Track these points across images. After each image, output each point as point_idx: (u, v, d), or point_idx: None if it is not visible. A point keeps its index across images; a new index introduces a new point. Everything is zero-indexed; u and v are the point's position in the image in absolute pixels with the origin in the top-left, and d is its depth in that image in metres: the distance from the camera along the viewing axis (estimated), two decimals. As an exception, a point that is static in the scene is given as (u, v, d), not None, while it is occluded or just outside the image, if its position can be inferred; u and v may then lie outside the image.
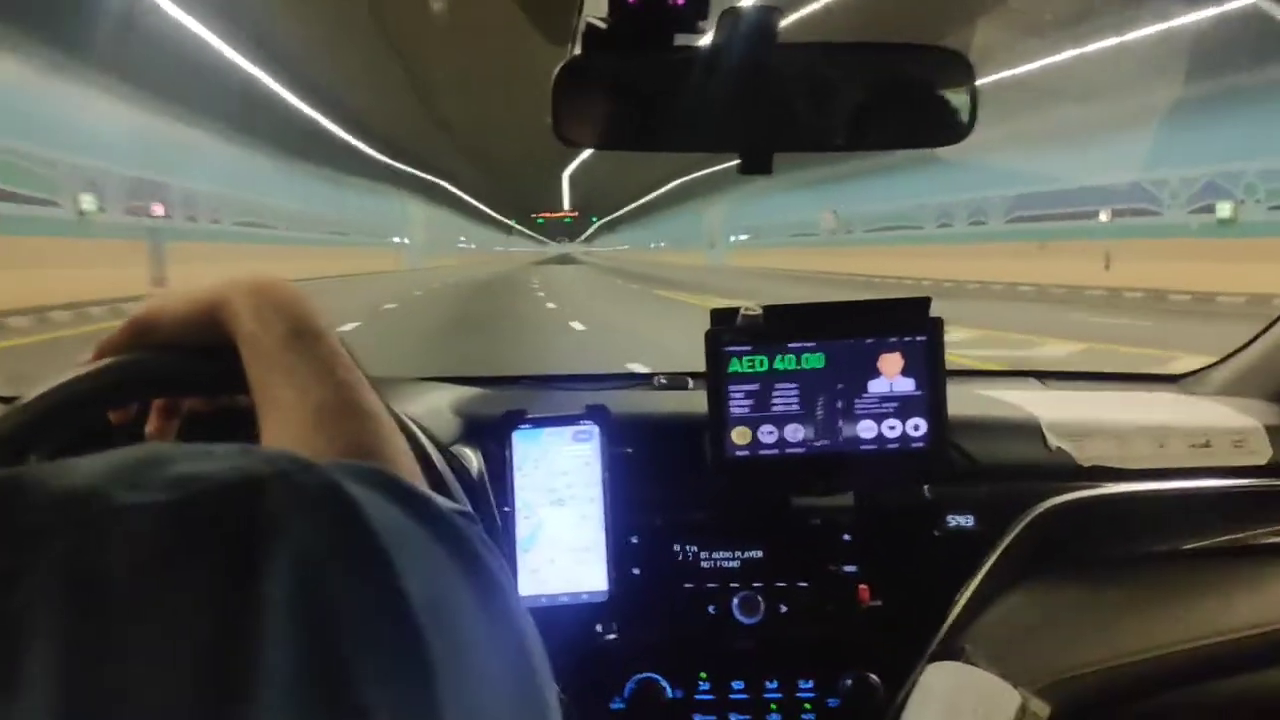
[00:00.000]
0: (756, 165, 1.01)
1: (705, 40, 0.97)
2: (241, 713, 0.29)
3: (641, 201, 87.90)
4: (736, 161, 1.00)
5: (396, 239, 60.38)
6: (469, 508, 0.75)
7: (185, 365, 0.63)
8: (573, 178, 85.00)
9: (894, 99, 1.03)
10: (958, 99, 1.00)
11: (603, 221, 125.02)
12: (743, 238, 59.42)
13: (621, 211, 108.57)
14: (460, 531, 0.41)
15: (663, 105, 1.00)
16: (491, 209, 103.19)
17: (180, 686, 0.29)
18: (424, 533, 0.38)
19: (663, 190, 71.96)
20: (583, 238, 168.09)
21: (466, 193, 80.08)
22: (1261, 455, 1.42)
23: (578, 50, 0.98)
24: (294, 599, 0.31)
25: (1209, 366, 1.70)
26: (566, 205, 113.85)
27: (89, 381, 0.62)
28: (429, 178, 62.48)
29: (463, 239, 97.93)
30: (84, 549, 0.30)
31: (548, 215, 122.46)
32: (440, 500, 0.43)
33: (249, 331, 0.58)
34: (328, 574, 0.32)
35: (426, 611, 0.34)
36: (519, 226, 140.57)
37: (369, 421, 0.56)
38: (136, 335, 0.63)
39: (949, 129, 1.01)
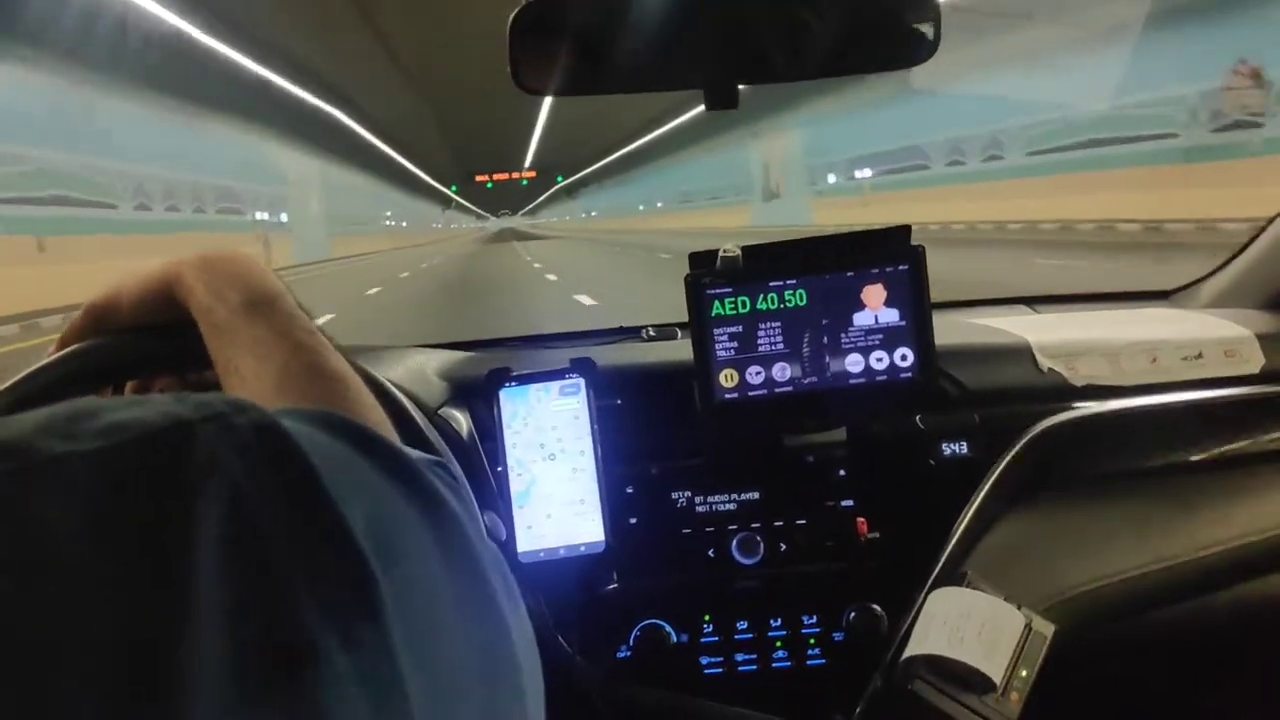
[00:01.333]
0: (722, 100, 0.99)
1: None
2: (179, 650, 0.28)
3: (628, 150, 60.72)
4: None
5: (263, 215, 33.72)
6: (448, 460, 0.75)
7: (143, 346, 0.62)
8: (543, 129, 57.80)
9: (856, 23, 1.01)
10: (921, 19, 0.99)
11: (570, 180, 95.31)
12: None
13: (597, 166, 79.06)
14: (415, 470, 0.40)
15: (623, 45, 0.99)
16: (427, 173, 78.66)
17: (113, 629, 0.28)
18: (370, 465, 0.38)
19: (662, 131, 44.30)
20: (528, 208, 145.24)
21: (395, 149, 55.32)
22: (1254, 364, 1.41)
23: None
24: (227, 535, 0.30)
25: (1198, 280, 1.69)
26: (529, 162, 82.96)
27: (49, 373, 0.61)
28: (334, 114, 35.68)
29: (389, 215, 74.48)
30: (13, 499, 0.30)
31: (499, 178, 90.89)
32: (399, 446, 0.42)
33: (204, 305, 0.58)
34: (261, 507, 0.31)
35: (372, 541, 0.33)
36: (458, 198, 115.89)
37: (335, 383, 0.56)
38: (96, 321, 0.62)
39: (913, 50, 0.99)
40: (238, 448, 0.32)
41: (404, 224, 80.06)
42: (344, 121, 38.31)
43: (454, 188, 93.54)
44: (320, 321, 0.60)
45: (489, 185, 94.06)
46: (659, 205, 67.86)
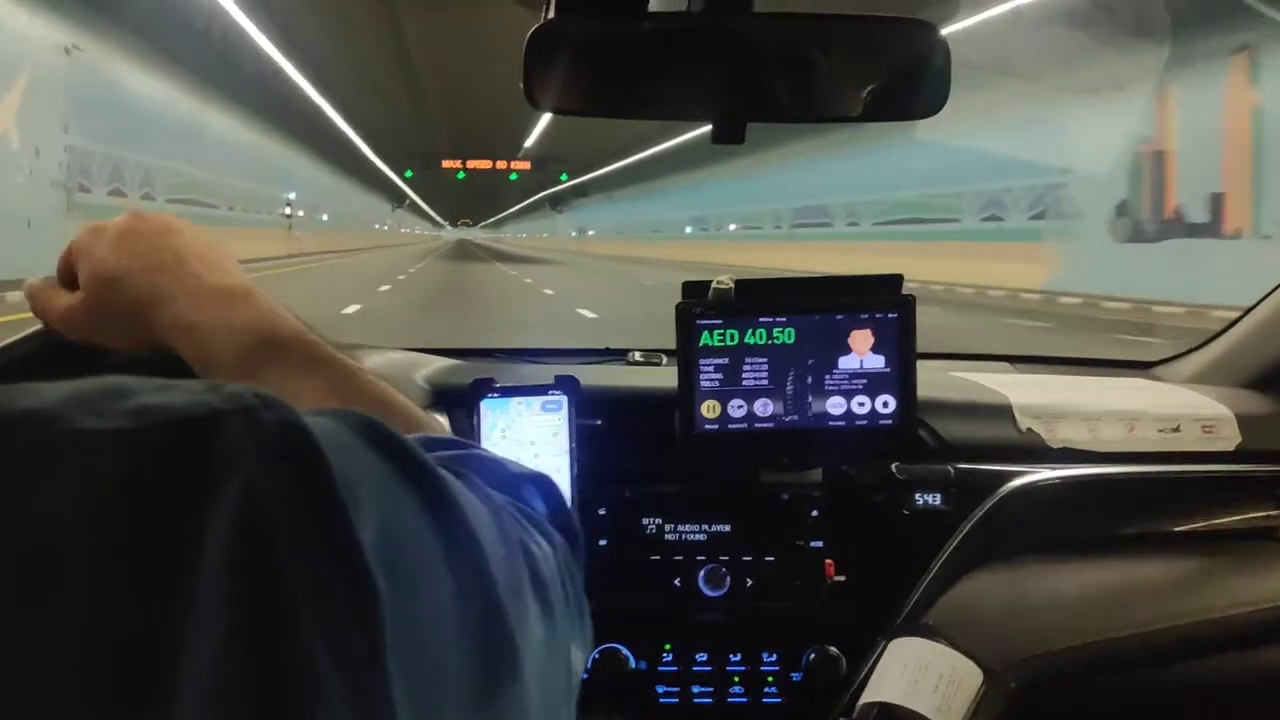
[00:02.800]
0: (729, 134, 1.00)
1: (680, 6, 0.96)
2: (174, 636, 0.28)
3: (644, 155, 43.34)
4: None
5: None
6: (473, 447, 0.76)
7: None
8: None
9: (868, 71, 1.02)
10: (931, 73, 1.00)
11: (577, 181, 62.06)
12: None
13: (607, 169, 53.76)
14: (428, 469, 0.39)
15: (635, 71, 1.00)
16: (374, 149, 50.89)
17: (115, 608, 0.29)
18: (390, 470, 0.37)
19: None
20: (491, 220, 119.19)
21: (326, 96, 32.24)
22: (1230, 442, 1.42)
23: (551, 14, 0.97)
24: (236, 533, 0.30)
25: (1180, 355, 1.70)
26: (526, 149, 51.27)
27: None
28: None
29: (292, 199, 40.69)
30: (36, 469, 0.30)
31: (477, 165, 56.33)
32: (424, 454, 0.40)
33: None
34: (276, 514, 0.31)
35: (380, 553, 0.33)
36: (411, 192, 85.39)
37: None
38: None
39: (922, 102, 1.00)
40: (260, 445, 0.32)
41: (323, 216, 50.33)
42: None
43: (408, 174, 60.95)
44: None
45: (460, 175, 56.74)
46: (731, 228, 42.53)
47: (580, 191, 69.06)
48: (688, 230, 50.48)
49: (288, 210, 39.22)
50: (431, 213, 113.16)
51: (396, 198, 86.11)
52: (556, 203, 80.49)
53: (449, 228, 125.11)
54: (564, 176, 59.72)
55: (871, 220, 26.32)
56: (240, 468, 0.31)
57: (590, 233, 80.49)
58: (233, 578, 0.30)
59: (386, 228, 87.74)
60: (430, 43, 25.95)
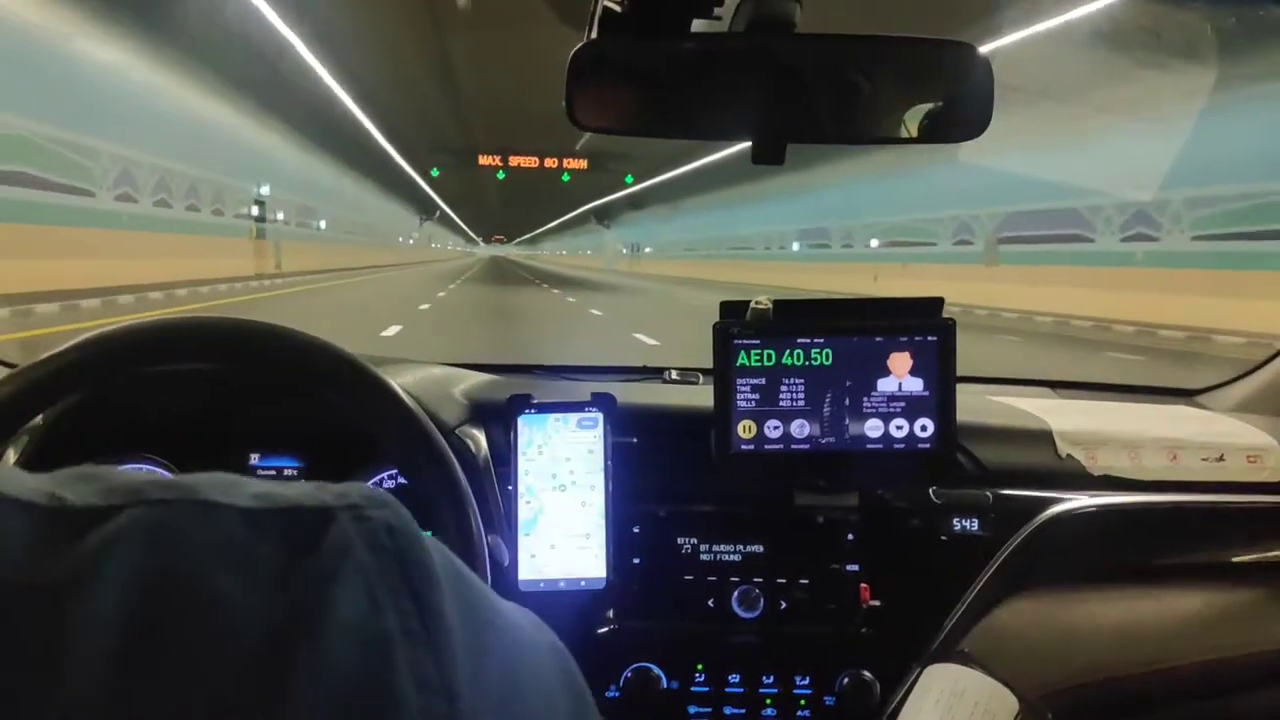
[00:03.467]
0: (769, 155, 1.00)
1: (722, 27, 0.97)
2: (280, 710, 0.30)
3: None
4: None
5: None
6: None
7: None
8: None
9: (910, 93, 1.02)
10: (974, 95, 0.99)
11: (632, 190, 51.71)
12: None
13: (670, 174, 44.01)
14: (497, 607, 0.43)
15: (677, 92, 1.00)
16: (395, 145, 41.43)
17: (224, 678, 0.30)
18: (462, 566, 0.41)
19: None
20: (527, 236, 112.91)
21: (343, 86, 24.56)
22: (1275, 472, 1.40)
23: (594, 34, 0.98)
24: (354, 624, 0.33)
25: (1224, 383, 1.68)
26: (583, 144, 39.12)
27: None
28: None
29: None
30: (170, 523, 0.33)
31: (521, 163, 44.16)
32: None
33: None
34: (388, 605, 0.34)
35: (465, 654, 0.36)
36: (442, 204, 73.03)
37: None
38: None
39: (964, 125, 1.00)
40: (370, 543, 0.35)
41: (319, 224, 38.18)
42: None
43: (434, 172, 48.80)
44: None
45: (499, 174, 46.56)
46: (872, 244, 29.34)
47: (635, 203, 60.03)
48: (795, 247, 38.37)
49: (256, 209, 27.05)
50: (463, 225, 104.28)
51: (425, 209, 74.52)
52: (603, 216, 71.68)
53: (482, 245, 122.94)
54: (629, 179, 47.86)
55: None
56: (355, 560, 0.34)
57: (646, 249, 68.15)
58: (346, 665, 0.32)
59: (412, 241, 78.78)
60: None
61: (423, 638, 0.34)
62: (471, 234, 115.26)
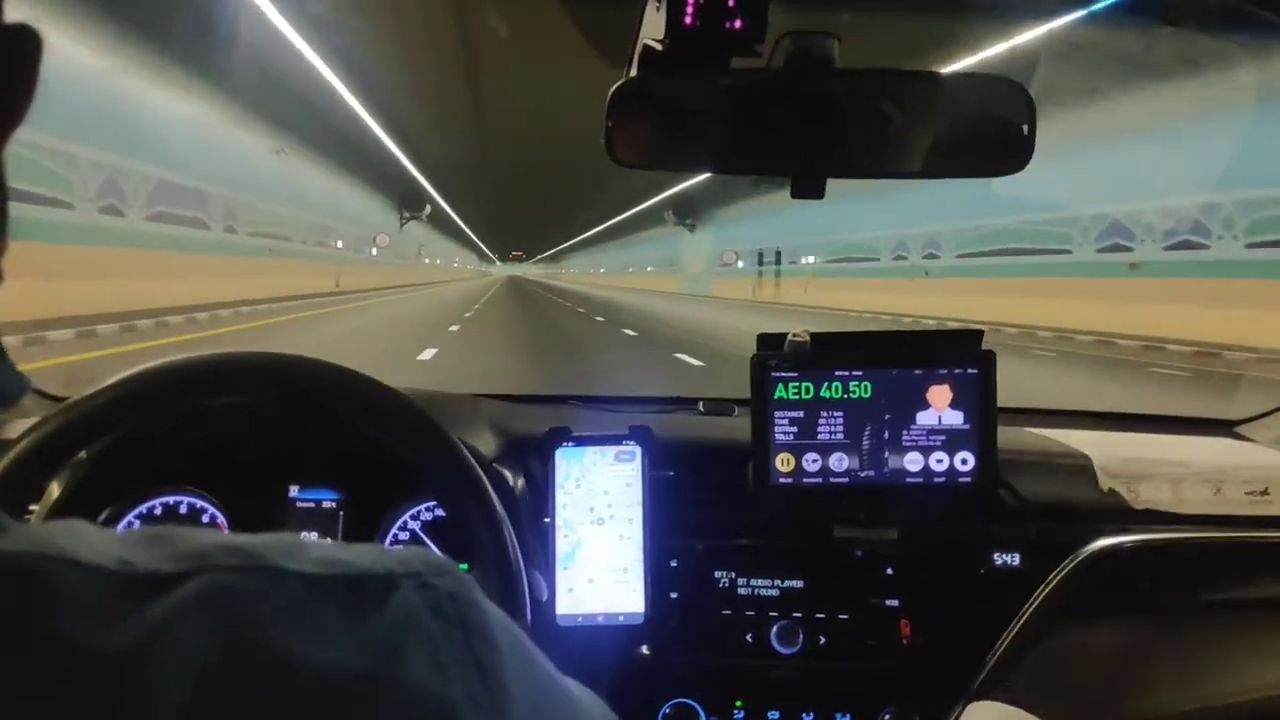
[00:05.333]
0: (808, 189, 1.01)
1: (761, 63, 0.97)
2: None
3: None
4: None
5: None
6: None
7: None
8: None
9: (950, 129, 1.02)
10: (1016, 130, 0.99)
11: None
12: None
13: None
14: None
15: (717, 128, 1.01)
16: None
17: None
18: (521, 633, 0.41)
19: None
20: (550, 252, 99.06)
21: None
22: None
23: (634, 72, 0.98)
24: (422, 692, 0.33)
25: (1267, 413, 1.65)
26: None
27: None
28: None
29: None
30: (239, 589, 0.34)
31: None
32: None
33: None
34: (454, 673, 0.35)
35: (523, 707, 0.37)
36: (436, 195, 48.22)
37: None
38: None
39: (1005, 161, 1.00)
40: (434, 610, 0.36)
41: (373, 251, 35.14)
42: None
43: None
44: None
45: None
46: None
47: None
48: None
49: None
50: (477, 239, 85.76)
51: (406, 200, 45.37)
52: (686, 214, 44.23)
53: (498, 263, 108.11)
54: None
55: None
56: (420, 629, 0.35)
57: (808, 260, 35.11)
58: None
59: (374, 252, 40.92)
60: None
61: (488, 705, 0.35)
62: (485, 249, 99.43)
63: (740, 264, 31.30)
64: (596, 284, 64.86)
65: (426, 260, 61.88)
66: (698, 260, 45.62)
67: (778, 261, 35.21)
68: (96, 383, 0.91)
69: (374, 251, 35.01)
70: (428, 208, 46.94)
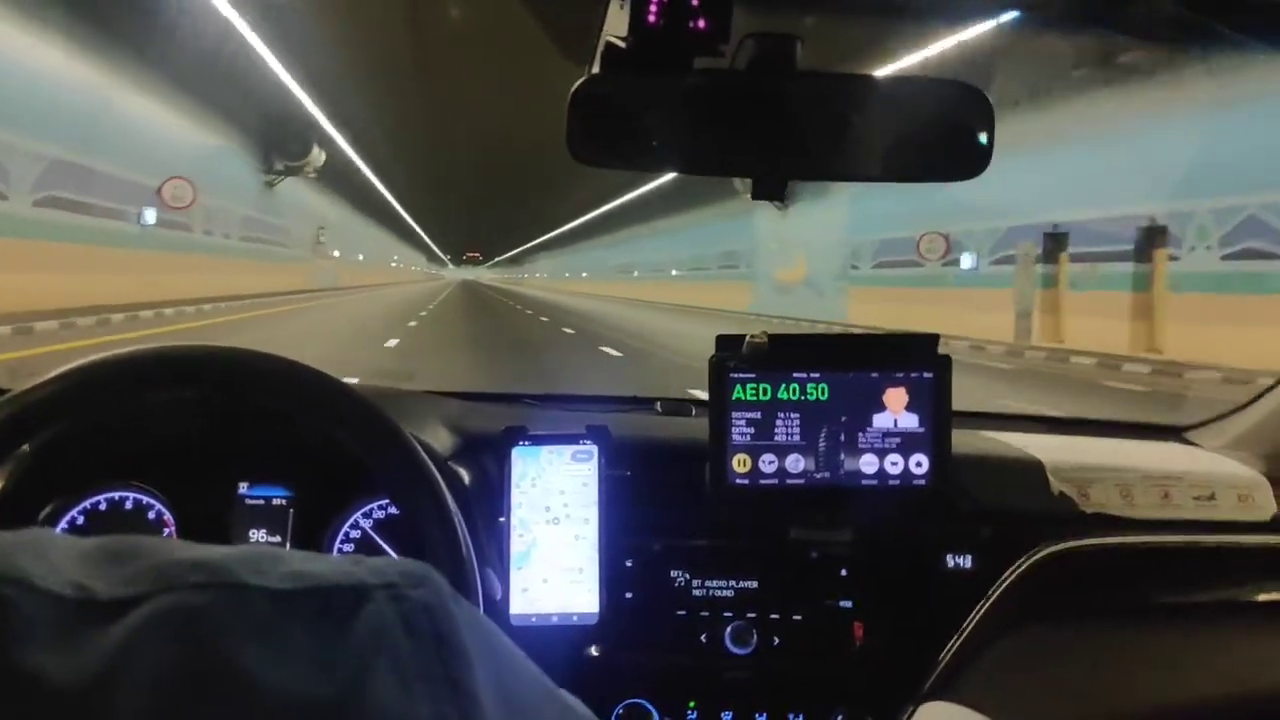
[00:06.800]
0: (768, 191, 1.01)
1: (724, 64, 0.97)
2: None
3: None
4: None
5: None
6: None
7: None
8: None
9: (910, 132, 1.02)
10: (974, 135, 1.00)
11: None
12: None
13: None
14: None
15: (678, 127, 1.00)
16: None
17: None
18: (497, 632, 0.41)
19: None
20: (512, 253, 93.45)
21: None
22: (1266, 511, 1.40)
23: (596, 69, 0.98)
24: (389, 705, 0.33)
25: (1214, 419, 1.68)
26: None
27: None
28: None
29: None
30: (202, 609, 0.33)
31: None
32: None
33: None
34: (423, 696, 0.34)
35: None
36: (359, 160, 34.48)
37: None
38: None
39: (964, 164, 1.00)
40: (406, 625, 0.35)
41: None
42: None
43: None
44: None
45: None
46: None
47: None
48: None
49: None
50: (420, 230, 73.94)
51: (278, 138, 25.87)
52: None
53: (450, 266, 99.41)
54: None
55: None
56: (390, 641, 0.34)
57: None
58: None
59: (150, 219, 17.90)
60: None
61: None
62: (439, 252, 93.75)
63: (966, 260, 17.70)
64: (575, 292, 51.74)
65: (336, 254, 40.12)
66: (795, 259, 26.49)
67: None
68: (38, 375, 0.88)
69: (150, 219, 17.49)
70: (318, 153, 26.65)
